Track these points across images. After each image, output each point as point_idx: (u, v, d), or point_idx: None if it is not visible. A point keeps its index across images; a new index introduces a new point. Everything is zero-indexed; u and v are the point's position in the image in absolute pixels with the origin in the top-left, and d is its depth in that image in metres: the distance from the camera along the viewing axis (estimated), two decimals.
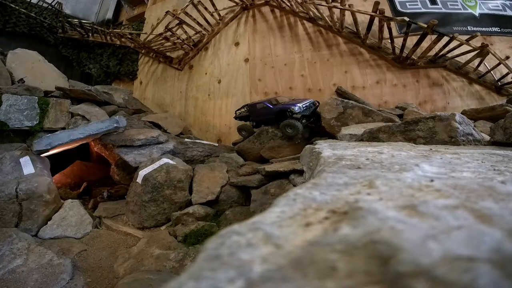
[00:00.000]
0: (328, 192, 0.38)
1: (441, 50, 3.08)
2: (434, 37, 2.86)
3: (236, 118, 3.18)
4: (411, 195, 0.35)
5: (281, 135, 2.74)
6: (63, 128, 3.08)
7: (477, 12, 3.70)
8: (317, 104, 2.88)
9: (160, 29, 4.16)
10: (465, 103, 3.31)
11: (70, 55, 5.65)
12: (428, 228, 0.25)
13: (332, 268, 0.21)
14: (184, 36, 4.16)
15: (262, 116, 2.87)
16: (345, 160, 0.65)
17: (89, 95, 3.42)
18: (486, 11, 3.72)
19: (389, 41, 3.20)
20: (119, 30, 5.14)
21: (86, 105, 3.38)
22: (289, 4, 3.81)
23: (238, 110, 3.15)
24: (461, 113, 2.27)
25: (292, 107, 2.59)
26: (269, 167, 2.16)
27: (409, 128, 1.45)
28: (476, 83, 3.35)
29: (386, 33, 3.11)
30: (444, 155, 0.72)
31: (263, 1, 4.07)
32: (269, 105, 2.81)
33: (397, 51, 3.34)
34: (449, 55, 3.16)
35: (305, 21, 3.85)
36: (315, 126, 2.80)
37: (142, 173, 2.33)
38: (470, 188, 0.37)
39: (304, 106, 2.64)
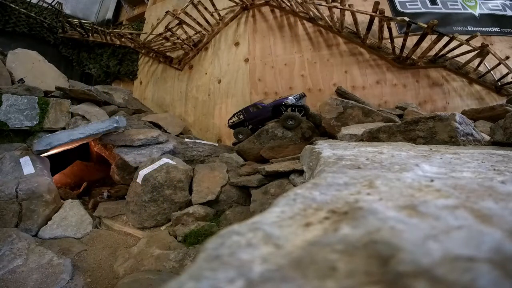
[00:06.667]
0: (328, 192, 0.38)
1: (441, 50, 3.08)
2: (434, 37, 2.86)
3: (229, 126, 3.25)
4: (411, 195, 0.35)
5: (281, 135, 2.74)
6: (63, 128, 3.08)
7: (477, 12, 3.70)
8: (304, 95, 3.10)
9: (160, 29, 4.16)
10: (465, 103, 3.31)
11: (70, 55, 5.65)
12: (428, 228, 0.25)
13: (332, 268, 0.21)
14: (184, 36, 4.16)
15: (258, 117, 2.99)
16: (345, 160, 0.65)
17: (89, 95, 3.42)
18: (486, 11, 3.72)
19: (389, 41, 3.21)
20: (119, 30, 5.14)
21: (86, 105, 3.38)
22: (289, 4, 3.81)
23: (230, 119, 3.23)
24: (461, 113, 2.27)
25: (286, 100, 2.78)
26: (269, 167, 2.16)
27: (409, 128, 1.45)
28: (476, 83, 3.35)
29: (386, 33, 3.11)
30: (444, 155, 0.72)
31: (263, 1, 4.07)
32: (263, 104, 2.96)
33: (397, 51, 3.34)
34: (449, 55, 3.17)
35: (305, 21, 3.85)
36: (306, 117, 2.97)
37: (142, 173, 2.33)
38: (470, 188, 0.37)
39: (295, 97, 2.84)
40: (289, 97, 2.80)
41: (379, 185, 0.40)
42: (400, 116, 2.74)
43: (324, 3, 3.37)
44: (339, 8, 3.22)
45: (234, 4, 4.10)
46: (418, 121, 1.43)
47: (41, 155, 2.60)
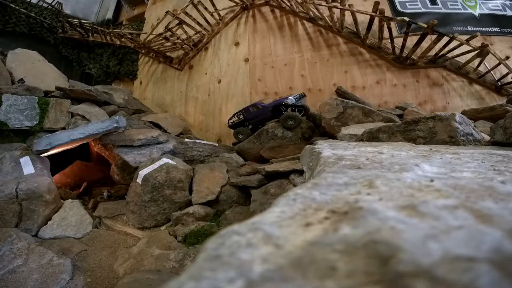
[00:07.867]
0: (328, 192, 0.38)
1: (441, 50, 3.08)
2: (434, 37, 2.86)
3: (229, 126, 3.27)
4: (411, 195, 0.35)
5: (281, 135, 2.74)
6: (63, 128, 3.08)
7: (477, 12, 3.70)
8: (304, 95, 3.11)
9: (160, 29, 4.16)
10: (465, 103, 3.31)
11: (70, 55, 5.65)
12: (428, 228, 0.25)
13: (332, 268, 0.21)
14: (184, 36, 4.16)
15: (258, 117, 3.00)
16: (345, 160, 0.65)
17: (89, 95, 3.41)
18: (486, 11, 3.72)
19: (389, 41, 3.20)
20: (119, 30, 5.14)
21: (86, 105, 3.38)
22: (289, 4, 3.81)
23: (230, 119, 3.25)
24: (461, 113, 2.27)
25: (286, 100, 2.79)
26: (269, 167, 2.16)
27: (409, 128, 1.45)
28: (476, 83, 3.35)
29: (386, 33, 3.11)
30: (444, 155, 0.72)
31: (263, 1, 4.07)
32: (263, 104, 2.98)
33: (397, 51, 3.34)
34: (449, 55, 3.16)
35: (305, 21, 3.84)
36: (306, 117, 2.98)
37: (142, 173, 2.33)
38: (470, 188, 0.37)
39: (295, 97, 2.85)
40: (289, 97, 2.81)
41: (379, 185, 0.40)
42: (400, 116, 2.74)
43: (324, 3, 3.37)
44: (339, 8, 3.22)
45: (234, 4, 4.09)
46: (418, 121, 1.43)
47: (41, 155, 2.60)
